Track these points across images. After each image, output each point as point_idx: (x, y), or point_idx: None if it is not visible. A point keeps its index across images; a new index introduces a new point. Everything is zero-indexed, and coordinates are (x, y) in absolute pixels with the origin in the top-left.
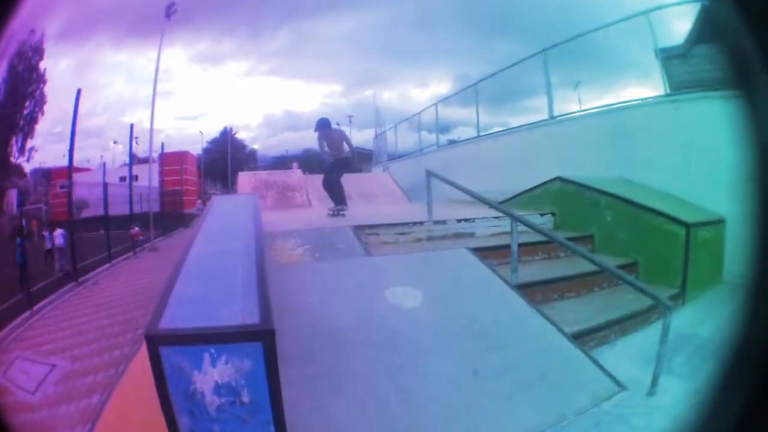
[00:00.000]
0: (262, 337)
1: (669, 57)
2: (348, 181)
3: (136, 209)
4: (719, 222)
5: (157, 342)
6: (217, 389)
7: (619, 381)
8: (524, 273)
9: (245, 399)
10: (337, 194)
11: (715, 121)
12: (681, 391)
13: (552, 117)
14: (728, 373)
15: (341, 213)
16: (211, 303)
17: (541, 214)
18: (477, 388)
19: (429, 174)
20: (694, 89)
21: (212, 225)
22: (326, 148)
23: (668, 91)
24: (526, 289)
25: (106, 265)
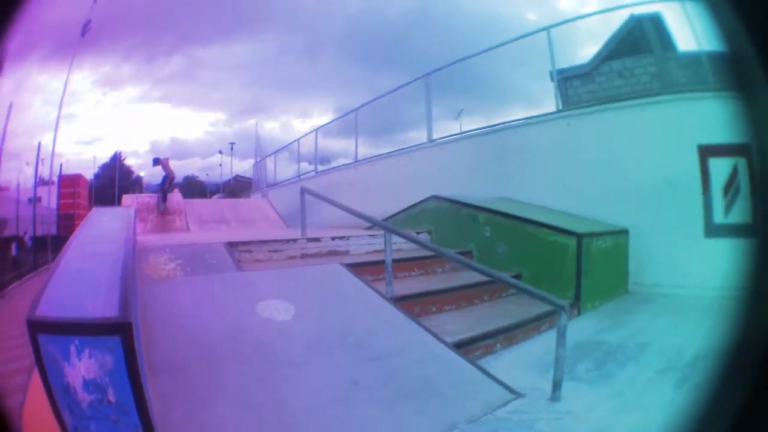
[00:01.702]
0: (119, 329)
1: (569, 77)
2: (226, 206)
3: (39, 231)
4: (620, 233)
5: (34, 328)
6: (86, 385)
7: (512, 388)
8: (401, 287)
9: (111, 398)
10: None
11: (611, 134)
12: (592, 395)
13: (431, 140)
14: (723, 378)
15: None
16: (79, 297)
17: (417, 233)
18: (357, 400)
19: (303, 191)
20: (593, 103)
21: (89, 231)
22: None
23: (560, 108)
24: (402, 302)
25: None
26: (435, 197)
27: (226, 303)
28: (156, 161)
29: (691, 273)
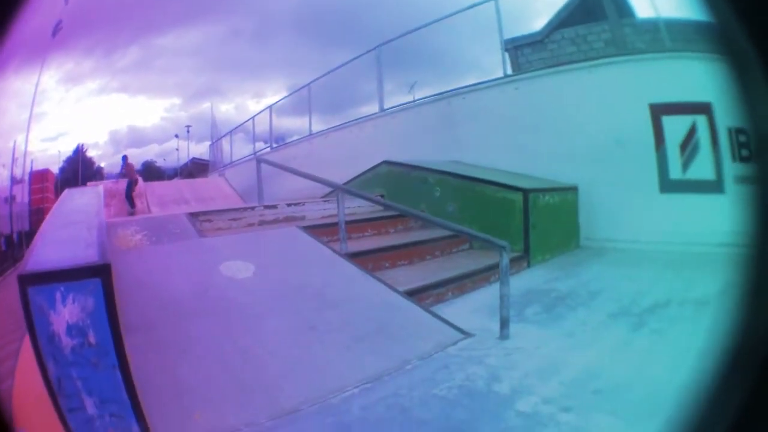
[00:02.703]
0: (100, 272)
1: (520, 46)
2: (185, 187)
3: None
4: (568, 189)
5: (24, 282)
6: (69, 330)
7: (462, 329)
8: (355, 245)
9: (92, 340)
10: (131, 201)
11: (560, 96)
12: (541, 335)
13: (382, 110)
14: (723, 378)
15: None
16: (63, 254)
17: (369, 199)
18: (315, 343)
19: (259, 160)
20: (541, 67)
21: (65, 206)
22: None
23: (507, 73)
24: (357, 258)
25: None
26: (387, 162)
27: (191, 266)
28: (124, 165)
29: (646, 228)
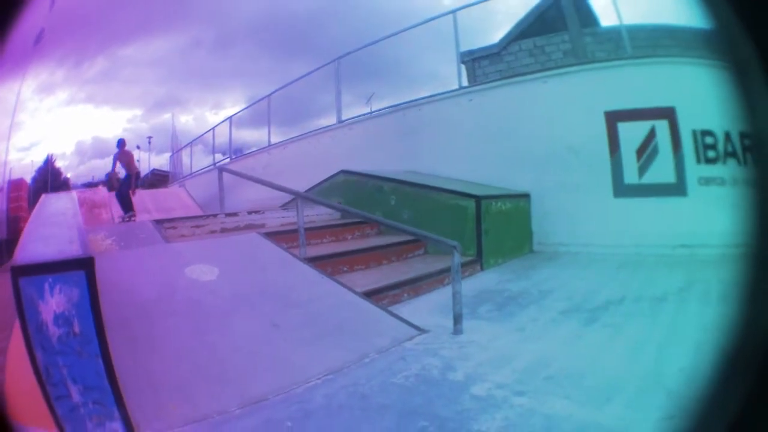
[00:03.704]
0: (84, 264)
1: (478, 58)
2: (146, 196)
3: None
4: (521, 196)
5: (16, 273)
6: (56, 319)
7: (418, 326)
8: (314, 251)
9: (76, 329)
10: (127, 203)
11: (514, 106)
12: (494, 330)
13: (340, 121)
14: (723, 378)
15: (132, 218)
16: (48, 249)
17: (327, 205)
18: (278, 339)
19: (221, 169)
20: (495, 79)
21: (46, 209)
22: (119, 166)
23: (463, 85)
24: (316, 262)
25: None
26: (344, 171)
27: (158, 269)
28: (120, 153)
29: (600, 232)
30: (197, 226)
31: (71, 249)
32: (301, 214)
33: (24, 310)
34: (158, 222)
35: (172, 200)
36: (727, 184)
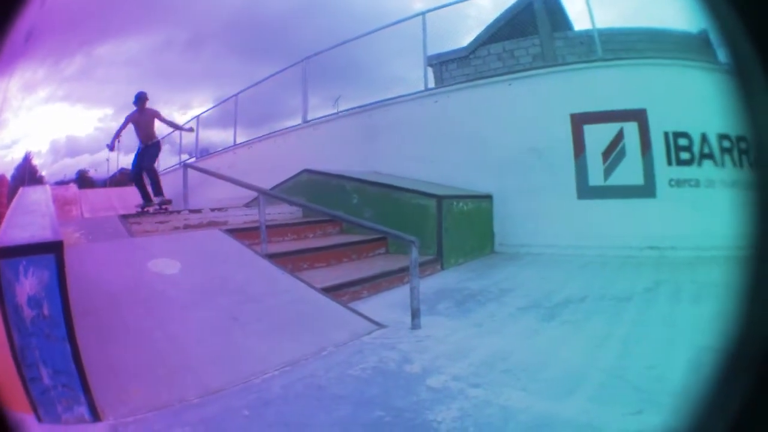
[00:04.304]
0: (53, 248)
1: (446, 62)
2: (114, 195)
3: None
4: (483, 197)
5: None
6: (29, 301)
7: (376, 321)
8: (275, 248)
9: (46, 311)
10: (144, 187)
11: (478, 109)
12: (451, 325)
13: (306, 121)
14: (723, 378)
15: (165, 207)
16: (24, 234)
17: (288, 201)
18: (237, 332)
19: (186, 166)
20: (461, 81)
21: (23, 200)
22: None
23: (427, 87)
24: (276, 259)
25: None
26: (307, 171)
27: (123, 262)
28: (138, 108)
29: (562, 233)
30: (161, 222)
31: (43, 234)
32: (263, 211)
33: (3, 292)
34: (124, 217)
35: (138, 198)
36: (702, 186)
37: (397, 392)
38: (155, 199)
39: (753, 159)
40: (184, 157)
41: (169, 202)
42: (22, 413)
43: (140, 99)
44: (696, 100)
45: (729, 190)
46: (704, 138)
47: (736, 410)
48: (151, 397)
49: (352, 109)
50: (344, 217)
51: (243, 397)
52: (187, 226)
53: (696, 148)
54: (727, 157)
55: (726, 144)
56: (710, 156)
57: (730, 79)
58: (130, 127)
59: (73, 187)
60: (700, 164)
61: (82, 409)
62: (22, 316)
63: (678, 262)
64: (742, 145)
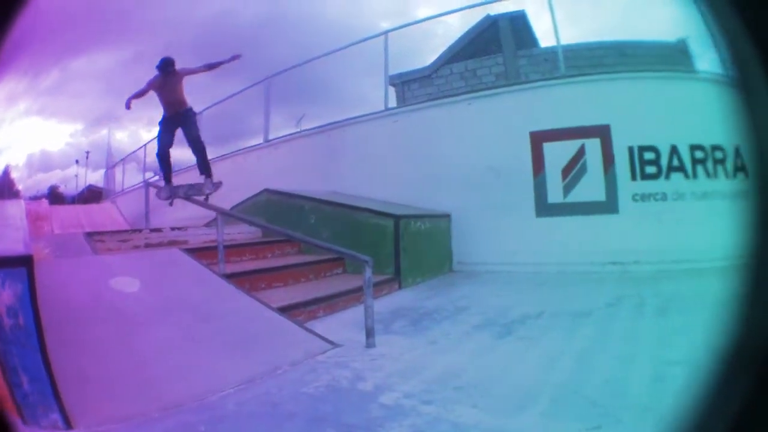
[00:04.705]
0: (25, 261)
1: (408, 81)
2: (81, 212)
3: None
4: (441, 216)
5: None
6: (8, 311)
7: (331, 341)
8: (233, 268)
9: (21, 322)
10: (203, 162)
11: (438, 128)
12: (406, 344)
13: (267, 140)
14: (723, 378)
15: (189, 194)
16: (2, 245)
17: (250, 223)
18: (195, 350)
19: (148, 185)
20: (422, 101)
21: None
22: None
23: (388, 107)
24: (234, 278)
25: None
26: (267, 190)
27: (87, 279)
28: (162, 73)
29: (521, 251)
30: (123, 241)
31: (17, 248)
32: (221, 230)
33: None
34: (89, 235)
35: (103, 216)
36: (670, 199)
37: (349, 409)
38: (205, 183)
39: (753, 163)
40: (149, 175)
41: (219, 184)
42: (14, 415)
43: (168, 63)
44: (667, 112)
45: (701, 202)
46: (674, 150)
47: (736, 411)
48: (113, 410)
49: (313, 128)
50: (299, 237)
51: (199, 414)
52: (148, 245)
53: (664, 161)
54: (699, 168)
55: (699, 155)
56: (680, 168)
57: (730, 82)
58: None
59: (45, 203)
60: (668, 177)
61: (56, 417)
62: (2, 325)
63: (642, 276)
64: (718, 155)
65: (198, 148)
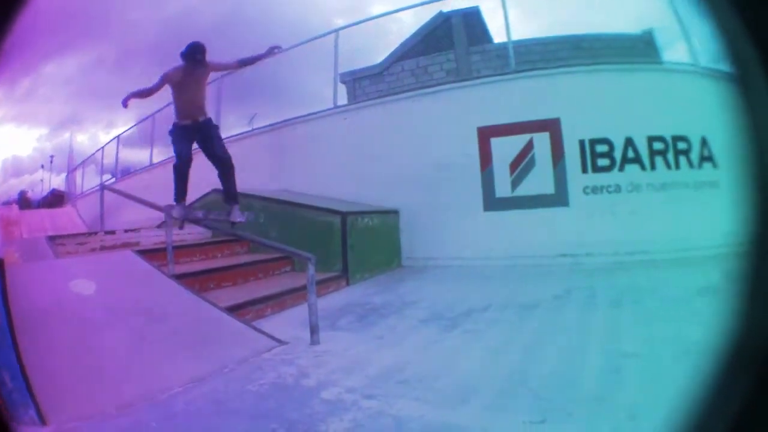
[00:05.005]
0: None
1: (359, 78)
2: (45, 216)
3: None
4: (389, 213)
5: None
6: None
7: (277, 338)
8: (183, 268)
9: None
10: (231, 187)
11: (387, 125)
12: (351, 339)
13: None
14: (723, 378)
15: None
16: None
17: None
18: (146, 350)
19: (103, 188)
20: (371, 98)
21: None
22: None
23: (337, 104)
24: (184, 279)
25: None
26: (215, 190)
27: (48, 281)
28: (188, 61)
29: (470, 246)
30: (81, 244)
31: None
32: (170, 232)
33: None
34: (51, 238)
35: (65, 220)
36: (624, 191)
37: (292, 405)
38: (233, 210)
39: (753, 163)
40: (107, 177)
41: (251, 215)
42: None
43: (197, 49)
44: (624, 104)
45: (659, 194)
46: (629, 142)
47: (736, 411)
48: (73, 408)
49: (264, 127)
50: (246, 236)
51: (152, 411)
52: (103, 248)
53: (618, 154)
54: (658, 160)
55: (658, 146)
56: (636, 160)
57: (729, 80)
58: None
59: (15, 208)
60: (621, 169)
61: (32, 413)
62: None
63: (594, 268)
64: (680, 146)
65: (225, 169)
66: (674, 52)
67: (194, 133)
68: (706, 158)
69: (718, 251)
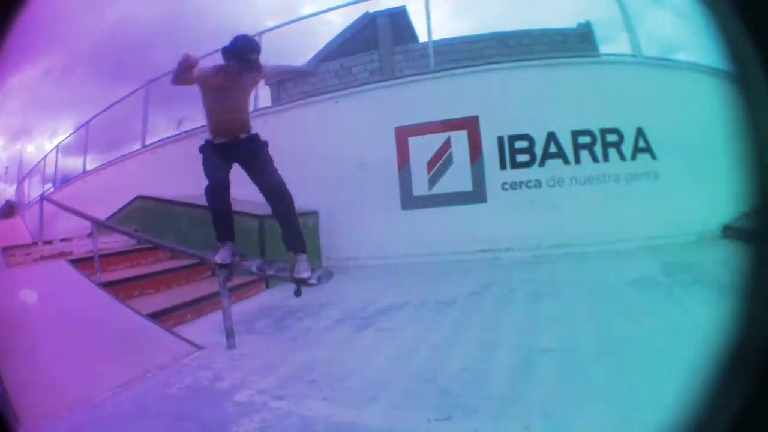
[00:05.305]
0: None
1: (283, 80)
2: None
3: None
4: (308, 214)
5: None
6: None
7: (196, 344)
8: (109, 276)
9: None
10: (293, 230)
11: (305, 127)
12: (266, 342)
13: (144, 146)
14: (723, 378)
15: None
16: None
17: (120, 231)
18: (78, 357)
19: (42, 199)
20: (290, 101)
21: None
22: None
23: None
24: (110, 287)
25: None
26: (140, 197)
27: (4, 290)
28: (240, 59)
29: (388, 244)
30: (27, 254)
31: None
32: (96, 240)
33: None
34: (4, 249)
35: (14, 230)
36: (545, 186)
37: (207, 408)
38: (299, 262)
39: (753, 162)
40: (48, 186)
41: (331, 275)
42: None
43: (251, 47)
44: (547, 99)
45: (584, 187)
46: (551, 137)
47: (736, 411)
48: (43, 409)
49: (189, 130)
50: (160, 242)
51: (86, 415)
52: (42, 257)
53: (538, 149)
54: (584, 153)
55: (584, 140)
56: (559, 155)
57: (729, 80)
58: None
59: None
60: (542, 164)
61: (9, 412)
62: None
63: (514, 263)
64: (610, 138)
65: (282, 202)
66: (615, 44)
67: (233, 153)
68: (643, 150)
69: (653, 242)
